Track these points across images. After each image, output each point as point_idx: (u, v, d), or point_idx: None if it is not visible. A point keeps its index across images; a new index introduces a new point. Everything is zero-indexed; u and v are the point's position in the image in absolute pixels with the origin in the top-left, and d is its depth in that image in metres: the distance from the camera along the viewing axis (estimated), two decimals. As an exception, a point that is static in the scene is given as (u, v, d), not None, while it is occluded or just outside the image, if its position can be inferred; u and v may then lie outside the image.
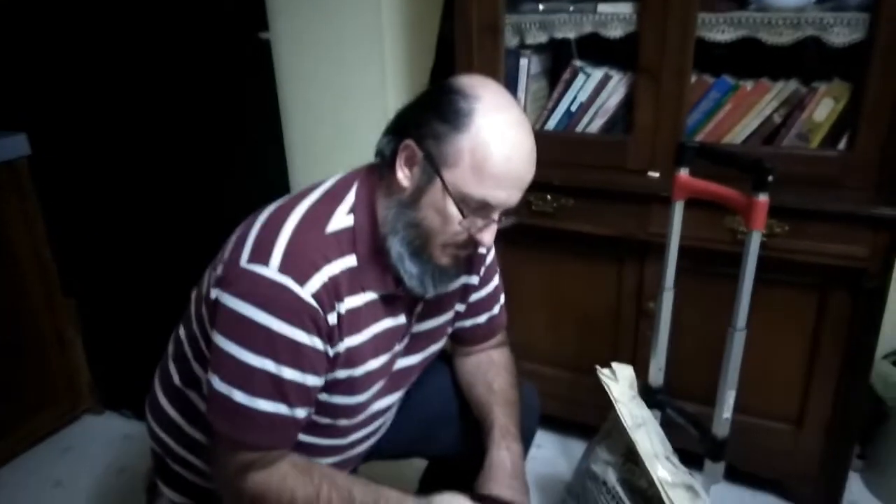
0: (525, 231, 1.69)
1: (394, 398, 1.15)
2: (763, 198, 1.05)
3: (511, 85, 1.68)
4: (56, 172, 1.88)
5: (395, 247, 0.96)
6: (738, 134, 1.50)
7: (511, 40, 1.66)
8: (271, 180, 2.09)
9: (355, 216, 0.97)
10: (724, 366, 1.18)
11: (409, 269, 0.97)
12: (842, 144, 1.42)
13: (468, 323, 1.22)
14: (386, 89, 2.04)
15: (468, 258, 1.05)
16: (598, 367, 1.30)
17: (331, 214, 0.97)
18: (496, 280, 1.24)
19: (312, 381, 0.95)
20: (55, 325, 1.98)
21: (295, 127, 2.21)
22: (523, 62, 1.66)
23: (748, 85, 1.48)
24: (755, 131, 1.49)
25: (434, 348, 1.18)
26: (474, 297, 1.20)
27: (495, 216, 0.95)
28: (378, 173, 0.99)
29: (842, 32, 1.36)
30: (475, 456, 1.15)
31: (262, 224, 0.96)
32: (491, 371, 1.22)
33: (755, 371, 1.53)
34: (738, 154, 1.23)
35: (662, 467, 1.16)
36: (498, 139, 0.89)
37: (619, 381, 1.29)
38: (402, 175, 0.94)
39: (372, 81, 2.06)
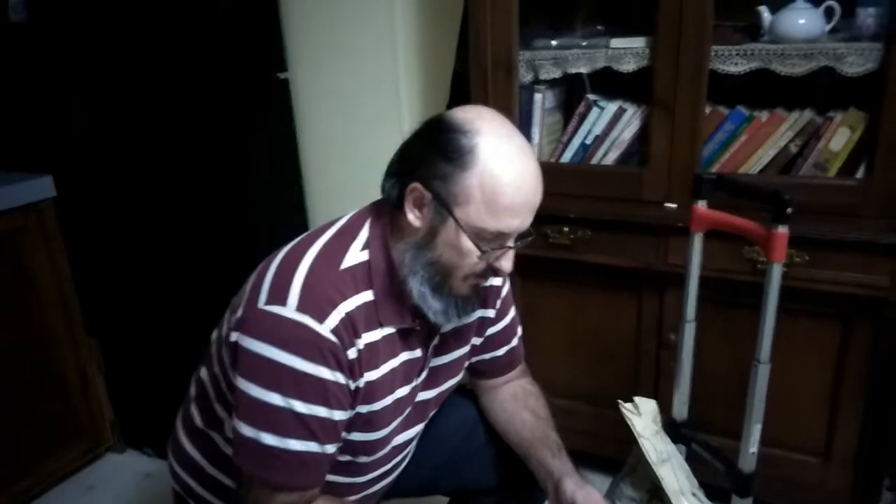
0: (543, 264, 1.70)
1: (413, 433, 1.15)
2: (783, 230, 1.05)
3: (526, 119, 1.70)
4: (81, 213, 1.92)
5: (416, 287, 0.96)
6: (755, 164, 1.50)
7: (525, 76, 1.68)
8: (291, 219, 2.12)
9: (370, 252, 0.98)
10: (748, 399, 1.16)
11: (433, 306, 0.98)
12: (859, 173, 1.42)
13: (487, 356, 1.22)
14: (403, 126, 2.07)
15: (484, 289, 1.06)
16: (620, 401, 1.28)
17: (345, 251, 0.98)
18: (512, 312, 1.24)
19: (339, 415, 0.95)
20: (78, 363, 2.00)
21: (313, 165, 2.24)
22: (538, 97, 1.68)
23: (763, 116, 1.49)
24: (771, 161, 1.49)
25: (452, 382, 1.19)
26: (491, 330, 1.20)
27: (510, 243, 0.96)
28: (387, 212, 1.00)
29: (855, 62, 1.37)
30: (498, 490, 1.15)
31: (277, 266, 0.97)
32: (531, 399, 1.23)
33: (780, 402, 1.50)
34: (756, 185, 1.23)
35: None
36: (505, 171, 0.90)
37: (643, 416, 1.27)
38: (413, 217, 0.95)
39: (388, 119, 2.09)
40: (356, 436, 1.03)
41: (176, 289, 1.89)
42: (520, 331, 1.27)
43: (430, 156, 0.92)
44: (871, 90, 1.35)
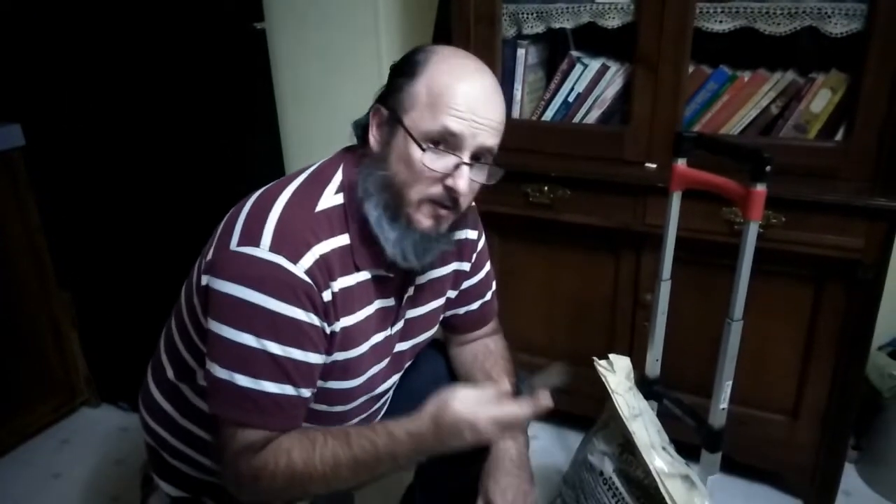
0: (522, 222, 1.69)
1: (389, 383, 1.15)
2: (761, 188, 1.05)
3: (508, 75, 1.67)
4: (51, 163, 1.87)
5: (372, 211, 0.94)
6: (736, 125, 1.50)
7: (508, 30, 1.65)
8: (266, 169, 2.09)
9: (345, 195, 0.97)
10: (720, 357, 1.18)
11: (389, 235, 0.95)
12: (839, 135, 1.42)
13: (461, 310, 1.22)
14: (382, 78, 2.03)
15: (453, 225, 1.01)
16: (595, 358, 1.30)
17: (319, 194, 0.96)
18: (487, 266, 1.24)
19: (314, 358, 0.94)
20: (51, 317, 1.97)
21: (290, 115, 2.20)
22: (520, 52, 1.65)
23: (745, 76, 1.48)
24: (752, 122, 1.49)
25: (427, 335, 1.19)
26: (466, 283, 1.20)
27: (464, 156, 0.92)
28: (360, 155, 0.99)
29: (840, 23, 1.35)
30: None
31: (249, 208, 0.96)
32: (489, 360, 1.23)
33: (751, 362, 1.54)
34: (736, 144, 1.23)
35: (659, 458, 1.17)
36: (451, 73, 0.92)
37: (616, 372, 1.29)
38: (374, 139, 0.96)
39: (367, 71, 2.06)
40: (332, 384, 1.02)
41: (150, 240, 1.86)
42: (494, 285, 1.26)
43: (391, 79, 0.96)
44: (854, 52, 1.34)
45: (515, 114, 1.70)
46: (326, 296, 0.94)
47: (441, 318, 1.21)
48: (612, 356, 1.31)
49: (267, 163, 2.13)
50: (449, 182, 0.92)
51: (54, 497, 1.77)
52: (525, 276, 1.79)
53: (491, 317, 1.27)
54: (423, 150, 0.91)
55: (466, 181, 0.93)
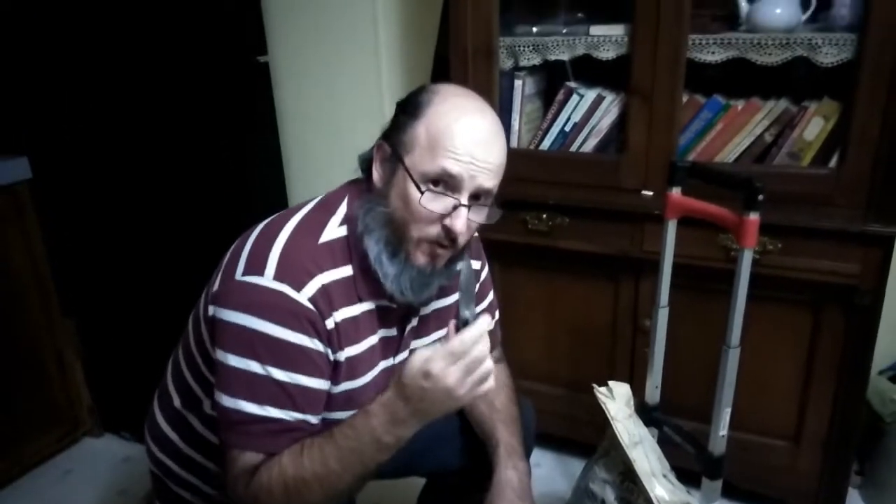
0: (521, 250, 1.71)
1: None
2: (754, 216, 1.06)
3: (506, 105, 1.70)
4: (56, 194, 1.90)
5: (372, 246, 0.96)
6: (730, 153, 1.52)
7: (505, 62, 1.68)
8: (271, 198, 2.11)
9: (348, 227, 0.99)
10: (719, 383, 1.19)
11: (388, 271, 0.96)
12: (832, 162, 1.43)
13: None
14: (383, 109, 2.07)
15: (452, 259, 1.02)
16: (595, 385, 1.30)
17: (323, 226, 0.98)
18: (491, 296, 1.25)
19: (319, 384, 0.96)
20: (54, 346, 1.98)
21: (293, 148, 2.23)
22: (518, 83, 1.68)
23: (739, 105, 1.50)
24: (747, 150, 1.51)
25: None
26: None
27: (462, 198, 0.93)
28: (365, 188, 1.01)
29: (830, 53, 1.38)
30: (474, 471, 1.16)
31: (254, 239, 0.98)
32: (492, 389, 1.23)
33: (752, 388, 1.54)
34: (728, 173, 1.25)
35: (660, 485, 1.17)
36: (451, 116, 0.93)
37: (616, 399, 1.29)
38: (377, 175, 0.98)
39: (369, 103, 2.09)
40: (337, 414, 1.03)
41: (154, 271, 1.88)
42: (497, 315, 1.27)
43: (396, 115, 0.98)
44: (845, 80, 1.37)
45: (514, 143, 1.73)
46: (329, 324, 0.95)
47: None
48: (611, 383, 1.32)
49: (271, 192, 2.15)
50: (447, 222, 0.94)
51: (57, 528, 1.77)
52: (525, 303, 1.80)
53: (495, 346, 1.27)
54: (422, 191, 0.92)
55: (464, 222, 0.94)
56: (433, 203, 0.93)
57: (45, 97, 1.83)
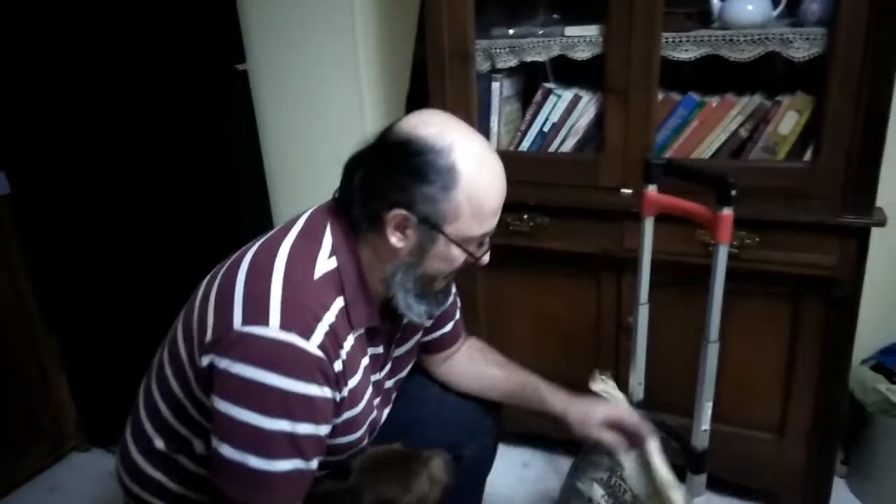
0: (504, 251, 1.69)
1: (383, 417, 1.17)
2: (727, 212, 1.07)
3: (484, 108, 1.71)
4: (36, 209, 1.88)
5: (403, 299, 1.00)
6: (706, 149, 1.53)
7: (482, 65, 1.69)
8: (253, 210, 2.11)
9: (337, 258, 0.98)
10: (699, 378, 1.19)
11: (417, 310, 1.02)
12: (807, 156, 1.45)
13: (437, 334, 1.26)
14: (364, 114, 2.07)
15: None
16: (597, 371, 1.35)
17: (314, 259, 0.96)
18: (453, 288, 1.26)
19: (325, 430, 0.95)
20: (38, 362, 1.97)
21: (274, 154, 2.23)
22: (495, 86, 1.69)
23: (714, 101, 1.51)
24: (723, 146, 1.52)
25: (410, 366, 1.23)
26: (439, 310, 1.22)
27: (488, 238, 1.02)
28: (345, 214, 1.00)
29: (802, 47, 1.39)
30: (452, 446, 1.17)
31: (245, 280, 0.94)
32: (488, 355, 1.32)
33: (735, 381, 1.55)
34: (702, 169, 1.25)
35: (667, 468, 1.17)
36: (485, 179, 0.95)
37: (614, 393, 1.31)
38: (396, 239, 0.96)
39: (349, 108, 2.10)
40: (341, 440, 1.04)
41: (137, 283, 1.87)
42: (459, 302, 1.31)
43: (407, 181, 0.93)
44: (817, 74, 1.38)
45: (493, 145, 1.73)
46: (337, 366, 0.95)
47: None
48: (596, 380, 1.33)
49: (253, 201, 2.15)
50: (480, 262, 1.03)
51: (45, 545, 1.75)
52: (509, 304, 1.81)
53: (462, 330, 1.33)
54: (474, 256, 1.00)
55: (489, 254, 1.04)
56: (482, 256, 1.02)
57: (23, 109, 1.82)
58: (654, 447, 1.18)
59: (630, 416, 1.20)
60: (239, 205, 2.03)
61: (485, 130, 1.72)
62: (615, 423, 1.19)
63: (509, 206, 1.65)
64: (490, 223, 0.98)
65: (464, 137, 0.96)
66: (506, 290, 1.80)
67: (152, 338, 1.29)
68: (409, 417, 1.23)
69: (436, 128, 0.95)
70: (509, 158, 1.74)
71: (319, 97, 2.12)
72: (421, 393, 1.28)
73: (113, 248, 1.86)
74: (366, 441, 1.12)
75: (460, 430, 1.23)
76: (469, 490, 1.32)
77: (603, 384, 1.32)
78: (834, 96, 1.36)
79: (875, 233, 1.38)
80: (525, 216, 1.65)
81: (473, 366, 1.31)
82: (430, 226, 0.94)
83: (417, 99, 1.87)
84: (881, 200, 1.37)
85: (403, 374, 1.21)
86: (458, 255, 0.98)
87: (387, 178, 0.95)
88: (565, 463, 1.87)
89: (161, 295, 1.67)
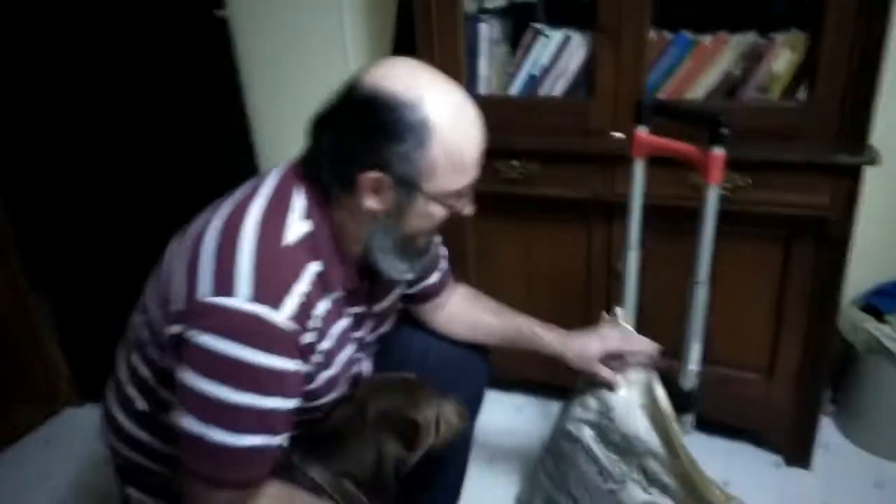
0: (494, 199, 1.68)
1: (366, 368, 1.17)
2: (718, 152, 1.05)
3: (472, 52, 1.66)
4: (18, 164, 1.84)
5: (385, 261, 0.98)
6: (700, 89, 1.50)
7: (470, 5, 1.64)
8: (236, 160, 2.07)
9: (312, 221, 0.94)
10: (688, 319, 1.19)
11: (399, 268, 1.00)
12: (801, 94, 1.42)
13: (423, 284, 1.25)
14: (348, 61, 2.02)
15: None
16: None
17: (285, 224, 0.92)
18: (437, 238, 1.25)
19: (294, 403, 0.93)
20: (26, 319, 1.95)
21: (257, 103, 2.18)
22: (483, 27, 1.64)
23: (707, 40, 1.47)
24: (716, 86, 1.49)
25: (393, 319, 1.22)
26: (423, 265, 1.21)
27: (470, 190, 0.98)
28: (316, 174, 0.95)
29: (796, -19, 1.36)
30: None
31: (214, 246, 0.90)
32: (481, 302, 1.33)
33: (725, 323, 1.56)
34: (693, 109, 1.24)
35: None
36: (461, 130, 0.91)
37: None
38: (372, 202, 0.92)
39: (333, 55, 2.04)
40: (323, 400, 1.04)
41: (123, 235, 1.84)
42: (445, 251, 1.29)
43: (379, 142, 0.88)
44: (812, 10, 1.34)
45: (482, 90, 1.70)
46: (308, 336, 0.93)
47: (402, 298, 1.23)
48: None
49: (238, 153, 2.11)
50: (460, 212, 0.99)
51: (44, 498, 1.77)
52: (500, 252, 1.80)
53: (449, 278, 1.31)
54: (455, 209, 0.96)
55: (473, 204, 1.00)
56: (465, 208, 0.98)
57: (5, 54, 1.76)
58: (655, 379, 1.20)
59: (625, 343, 1.24)
60: (222, 154, 1.99)
61: (473, 75, 1.68)
62: (613, 353, 1.22)
63: (499, 153, 1.66)
64: (470, 174, 0.95)
65: (434, 88, 0.90)
66: (496, 238, 1.78)
67: (141, 290, 1.28)
68: (394, 365, 1.22)
69: (404, 80, 0.89)
70: (498, 103, 1.74)
71: (302, 41, 2.06)
72: (408, 340, 1.28)
73: (98, 200, 1.83)
74: (341, 389, 1.11)
75: (448, 374, 1.22)
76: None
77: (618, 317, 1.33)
78: (829, 33, 1.32)
79: (868, 173, 1.36)
80: (515, 162, 1.62)
81: (467, 315, 1.31)
82: (408, 185, 0.90)
83: (403, 41, 1.82)
84: (874, 139, 1.35)
85: (386, 327, 1.20)
86: (439, 211, 0.95)
87: (357, 139, 0.90)
88: (557, 408, 1.89)
89: (147, 247, 1.66)
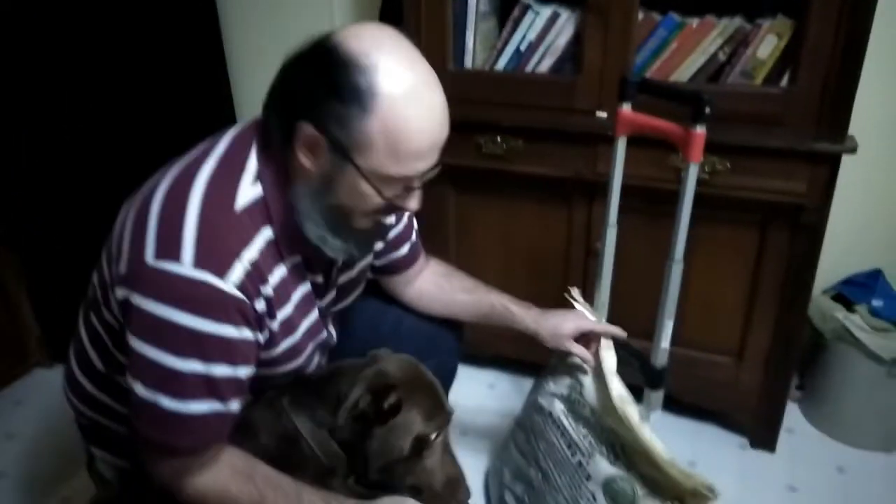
0: (475, 174, 1.69)
1: (333, 337, 1.17)
2: (700, 130, 1.06)
3: (459, 24, 1.65)
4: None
5: (314, 230, 0.91)
6: (685, 72, 1.50)
7: (459, -24, 1.62)
8: (219, 123, 2.04)
9: (263, 184, 0.90)
10: (662, 297, 1.20)
11: (333, 245, 0.93)
12: (784, 81, 1.43)
13: (392, 256, 1.23)
14: (333, 17, 1.99)
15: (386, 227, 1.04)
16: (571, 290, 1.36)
17: (235, 188, 0.88)
18: (393, 220, 1.21)
19: (245, 371, 0.92)
20: (-2, 279, 1.93)
21: (240, 68, 2.15)
22: (471, 0, 1.63)
23: (694, 22, 1.48)
24: (701, 69, 1.50)
25: (357, 291, 1.20)
26: (392, 233, 1.21)
27: (416, 184, 0.90)
28: (271, 143, 0.91)
29: (783, -33, 1.36)
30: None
31: (160, 208, 0.86)
32: (455, 279, 1.32)
33: (698, 306, 1.58)
34: (677, 87, 1.24)
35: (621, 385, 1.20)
36: (409, 114, 0.82)
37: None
38: (306, 160, 0.87)
39: (319, 21, 2.01)
40: (286, 367, 1.03)
41: (98, 195, 1.81)
42: (416, 224, 1.27)
43: (322, 94, 0.83)
44: (799, -3, 1.35)
45: (468, 64, 1.69)
46: (260, 305, 0.90)
47: (370, 269, 1.22)
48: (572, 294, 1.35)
49: (219, 114, 2.08)
50: (402, 205, 0.91)
51: (9, 458, 1.75)
52: (480, 228, 1.80)
53: (420, 251, 1.30)
54: (385, 197, 0.88)
55: (419, 200, 0.93)
56: (398, 199, 0.90)
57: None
58: (609, 367, 1.21)
59: (596, 324, 1.27)
60: (204, 116, 1.96)
61: (460, 48, 1.67)
62: (584, 332, 1.24)
63: (482, 127, 1.65)
64: (413, 166, 0.86)
65: (397, 60, 0.83)
66: (476, 214, 1.78)
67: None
68: (365, 335, 1.22)
69: (367, 43, 0.82)
70: (484, 79, 1.73)
71: (288, 7, 2.03)
72: (380, 313, 1.28)
73: (72, 157, 1.80)
74: (317, 361, 1.12)
75: (420, 344, 1.22)
76: None
77: (578, 297, 1.34)
78: (814, 20, 1.33)
79: (844, 162, 1.38)
80: (498, 138, 1.62)
81: (439, 291, 1.30)
82: (340, 152, 0.84)
83: (390, 9, 1.80)
84: (852, 128, 1.37)
85: (350, 299, 1.18)
86: (370, 194, 0.87)
87: (304, 86, 0.85)
88: (529, 384, 1.91)
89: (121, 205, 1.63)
